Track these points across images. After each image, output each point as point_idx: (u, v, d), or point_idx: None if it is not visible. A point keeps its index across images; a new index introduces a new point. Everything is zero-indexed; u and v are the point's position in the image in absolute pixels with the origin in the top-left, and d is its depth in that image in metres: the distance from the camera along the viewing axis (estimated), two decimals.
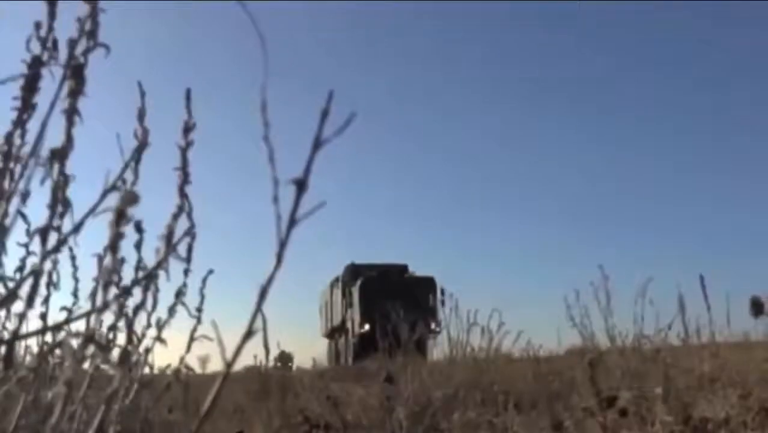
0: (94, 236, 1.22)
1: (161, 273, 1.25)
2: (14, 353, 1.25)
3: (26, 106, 1.20)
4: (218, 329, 0.80)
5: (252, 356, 6.58)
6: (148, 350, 1.58)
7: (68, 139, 1.20)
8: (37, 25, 1.17)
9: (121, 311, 1.35)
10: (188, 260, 1.42)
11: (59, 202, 1.21)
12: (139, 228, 1.28)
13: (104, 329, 1.38)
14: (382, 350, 6.69)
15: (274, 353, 7.60)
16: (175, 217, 1.29)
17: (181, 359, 1.73)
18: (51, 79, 1.20)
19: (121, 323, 1.38)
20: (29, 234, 1.23)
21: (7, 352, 1.21)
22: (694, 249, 35.40)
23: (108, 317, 1.36)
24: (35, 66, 1.18)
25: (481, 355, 6.29)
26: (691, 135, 43.41)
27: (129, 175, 1.34)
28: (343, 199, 35.27)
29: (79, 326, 1.20)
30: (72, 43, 1.19)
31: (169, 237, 1.20)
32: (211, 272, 1.63)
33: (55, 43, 1.19)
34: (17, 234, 1.25)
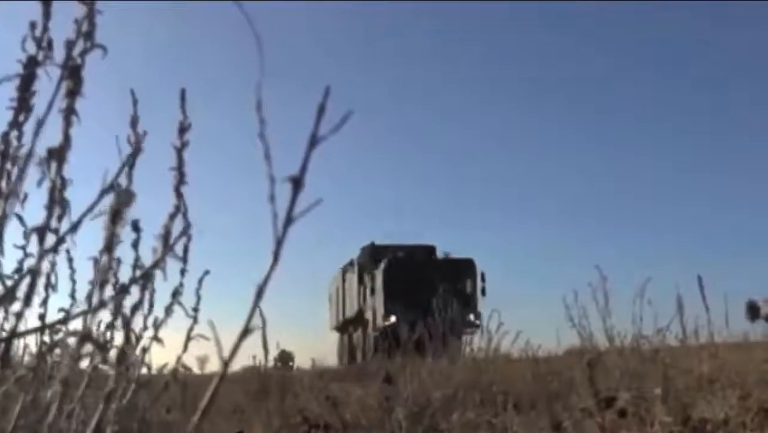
0: (92, 239, 1.22)
1: (158, 273, 1.26)
2: (11, 351, 1.25)
3: (22, 106, 1.20)
4: (215, 329, 0.80)
5: (251, 356, 6.56)
6: (145, 350, 1.58)
7: (66, 140, 1.20)
8: (32, 25, 1.17)
9: (119, 311, 1.35)
10: (185, 259, 1.42)
11: (56, 203, 1.21)
12: (136, 227, 1.29)
13: (101, 329, 1.39)
14: (407, 345, 5.99)
15: (273, 352, 7.60)
16: (172, 217, 1.29)
17: (178, 359, 1.73)
18: (48, 80, 1.21)
19: (119, 323, 1.38)
20: (26, 235, 1.23)
21: (5, 350, 1.21)
22: (693, 249, 35.47)
23: (105, 317, 1.37)
24: (31, 66, 1.18)
25: (480, 355, 6.30)
26: (690, 135, 43.51)
27: (123, 180, 1.34)
28: (342, 199, 35.29)
29: (76, 325, 1.20)
30: (69, 45, 1.19)
31: (166, 237, 1.20)
32: (207, 272, 1.63)
33: (50, 43, 1.19)
34: (15, 236, 1.25)
